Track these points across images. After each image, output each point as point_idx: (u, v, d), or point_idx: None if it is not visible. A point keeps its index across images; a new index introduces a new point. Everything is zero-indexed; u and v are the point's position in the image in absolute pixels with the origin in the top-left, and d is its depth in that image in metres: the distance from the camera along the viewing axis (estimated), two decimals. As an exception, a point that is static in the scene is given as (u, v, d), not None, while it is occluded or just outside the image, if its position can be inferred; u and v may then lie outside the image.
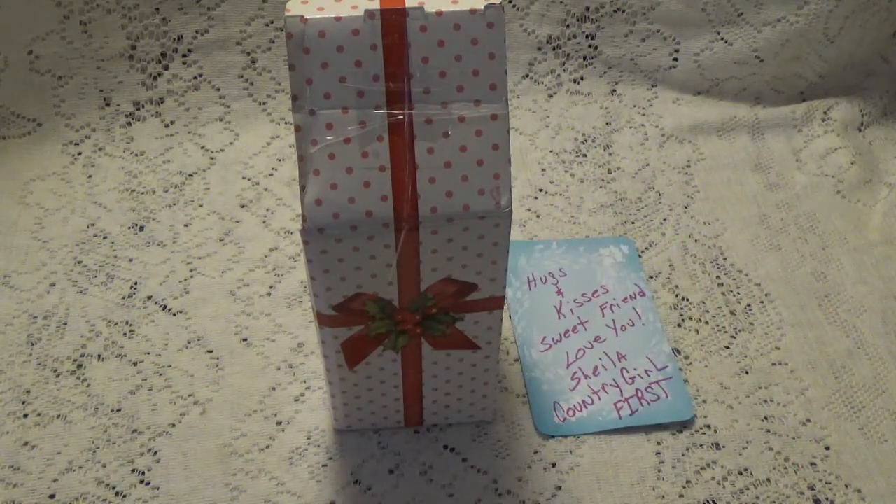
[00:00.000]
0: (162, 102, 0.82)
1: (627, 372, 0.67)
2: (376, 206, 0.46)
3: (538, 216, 0.78)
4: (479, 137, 0.46)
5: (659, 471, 0.62)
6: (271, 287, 0.71)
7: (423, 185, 0.46)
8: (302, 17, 0.44)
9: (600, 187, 0.80)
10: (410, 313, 0.51)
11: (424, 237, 0.47)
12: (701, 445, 0.63)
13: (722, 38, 0.86)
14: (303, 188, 0.45)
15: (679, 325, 0.70)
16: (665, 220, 0.78)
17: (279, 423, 0.63)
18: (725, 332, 0.70)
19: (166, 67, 0.82)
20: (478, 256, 0.49)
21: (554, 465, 0.62)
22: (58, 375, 0.65)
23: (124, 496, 0.59)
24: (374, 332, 0.52)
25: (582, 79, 0.88)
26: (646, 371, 0.67)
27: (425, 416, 0.61)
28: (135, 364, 0.66)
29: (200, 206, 0.76)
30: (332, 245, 0.46)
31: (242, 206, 0.76)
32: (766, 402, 0.66)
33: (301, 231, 0.46)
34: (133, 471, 0.60)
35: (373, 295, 0.50)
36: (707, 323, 0.71)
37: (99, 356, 0.66)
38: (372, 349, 0.53)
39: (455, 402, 0.60)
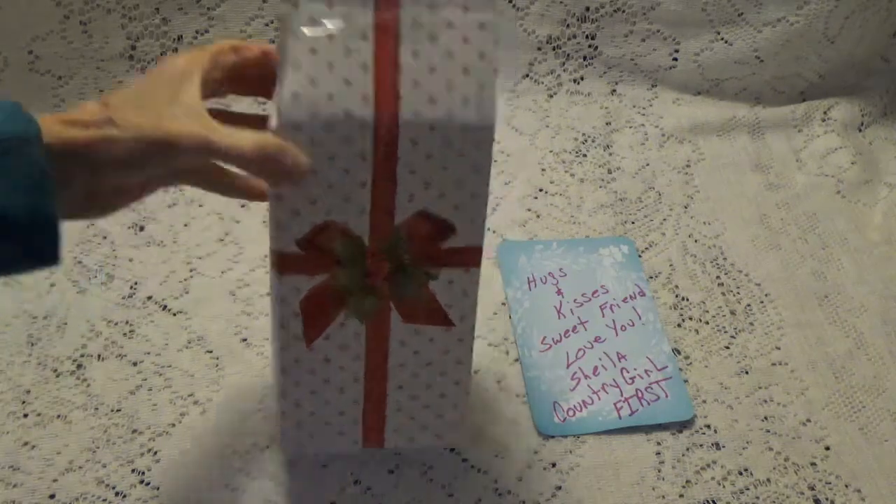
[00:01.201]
0: (162, 102, 0.82)
1: (627, 372, 0.67)
2: (356, 105, 0.43)
3: (538, 216, 0.78)
4: (466, 45, 0.44)
5: (659, 471, 0.62)
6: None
7: (406, 88, 0.44)
8: None
9: (600, 187, 0.80)
10: (381, 261, 0.47)
11: (403, 149, 0.44)
12: (701, 445, 0.63)
13: (722, 38, 0.86)
14: (280, 82, 0.43)
15: (679, 325, 0.70)
16: (665, 220, 0.78)
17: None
18: (725, 332, 0.70)
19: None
20: (456, 186, 0.46)
21: (554, 465, 0.62)
22: (58, 375, 0.65)
23: (124, 496, 0.59)
24: (341, 284, 0.48)
25: (582, 79, 0.88)
26: (646, 371, 0.67)
27: (387, 432, 0.55)
28: (135, 364, 0.66)
29: (200, 206, 0.76)
30: (307, 147, 0.43)
31: (242, 206, 0.76)
32: (766, 402, 0.66)
33: (274, 127, 0.43)
34: (133, 471, 0.60)
35: (343, 226, 0.46)
36: (707, 323, 0.71)
37: (99, 356, 0.66)
38: (335, 312, 0.49)
39: (422, 412, 0.54)
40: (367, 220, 0.46)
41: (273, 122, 0.44)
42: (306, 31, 0.43)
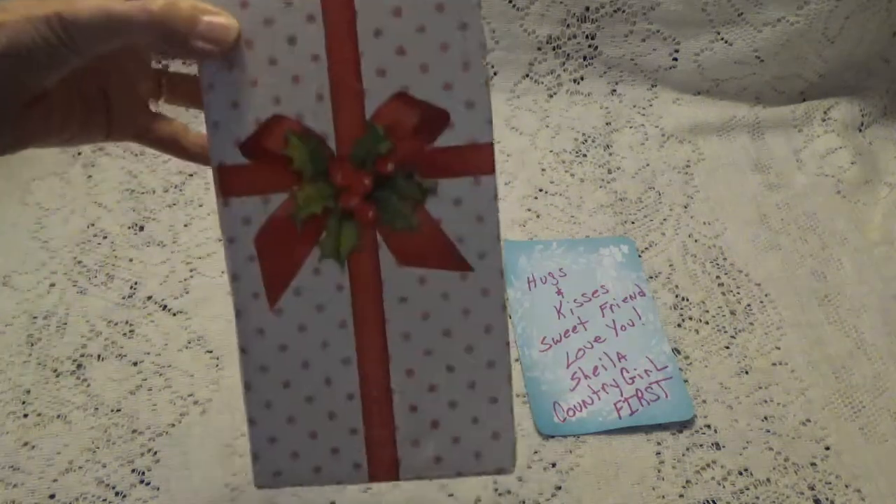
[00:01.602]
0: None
1: (627, 372, 0.67)
2: None
3: (538, 216, 0.78)
4: None
5: (659, 471, 0.62)
6: (271, 287, 0.71)
7: None
8: None
9: (600, 187, 0.80)
10: (355, 170, 0.36)
11: (361, 3, 0.35)
12: (701, 445, 0.63)
13: (722, 38, 0.86)
14: None
15: (679, 325, 0.70)
16: (665, 220, 0.78)
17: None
18: (725, 332, 0.70)
19: (167, 67, 0.82)
20: (441, 50, 0.35)
21: (554, 465, 0.62)
22: (58, 375, 0.65)
23: (124, 496, 0.59)
24: (304, 211, 0.36)
25: (582, 79, 0.88)
26: (646, 371, 0.67)
27: (400, 449, 0.39)
28: (135, 364, 0.66)
29: (200, 206, 0.76)
30: (237, 13, 0.35)
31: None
32: (766, 402, 0.66)
33: None
34: (133, 471, 0.60)
35: (297, 122, 0.36)
36: (707, 323, 0.71)
37: (99, 356, 0.66)
38: (303, 251, 0.37)
39: (445, 413, 0.38)
40: (328, 110, 0.36)
41: None
42: None
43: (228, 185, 0.36)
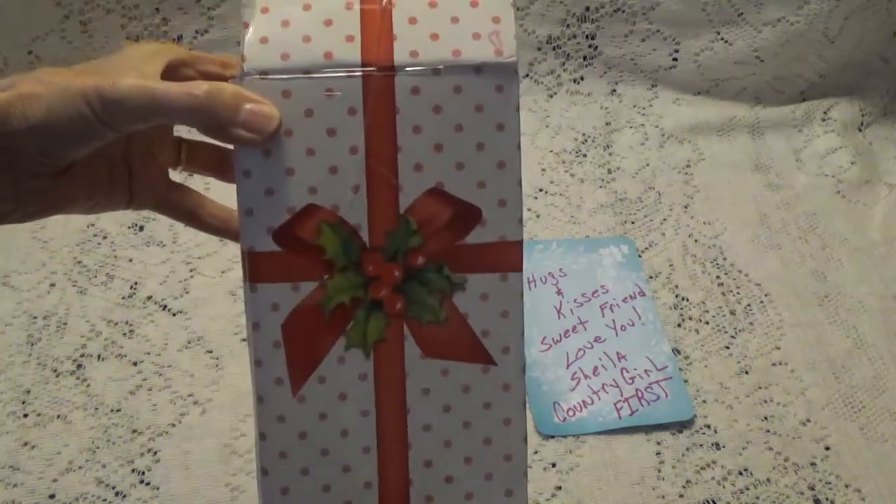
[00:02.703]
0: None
1: (627, 372, 0.67)
2: (338, 46, 0.35)
3: (538, 216, 0.78)
4: None
5: (659, 471, 0.62)
6: (271, 287, 0.71)
7: (400, 24, 0.36)
8: None
9: (600, 187, 0.80)
10: (386, 262, 0.36)
11: (403, 99, 0.35)
12: (701, 445, 0.63)
13: (722, 38, 0.86)
14: (245, 26, 0.36)
15: (679, 325, 0.70)
16: (665, 220, 0.78)
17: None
18: (725, 332, 0.70)
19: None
20: (477, 150, 0.36)
21: (554, 465, 0.62)
22: (58, 375, 0.65)
23: (124, 496, 0.59)
24: (334, 300, 0.36)
25: (582, 79, 0.88)
26: (646, 371, 0.67)
27: None
28: (135, 364, 0.66)
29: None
30: (279, 102, 0.35)
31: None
32: (766, 402, 0.66)
33: (237, 77, 0.35)
34: (133, 471, 0.60)
35: (332, 212, 0.36)
36: (707, 323, 0.71)
37: (99, 356, 0.66)
38: (330, 340, 0.37)
39: (462, 471, 0.39)
40: (362, 202, 0.36)
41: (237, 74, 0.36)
42: None
43: (258, 271, 0.36)
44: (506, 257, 0.37)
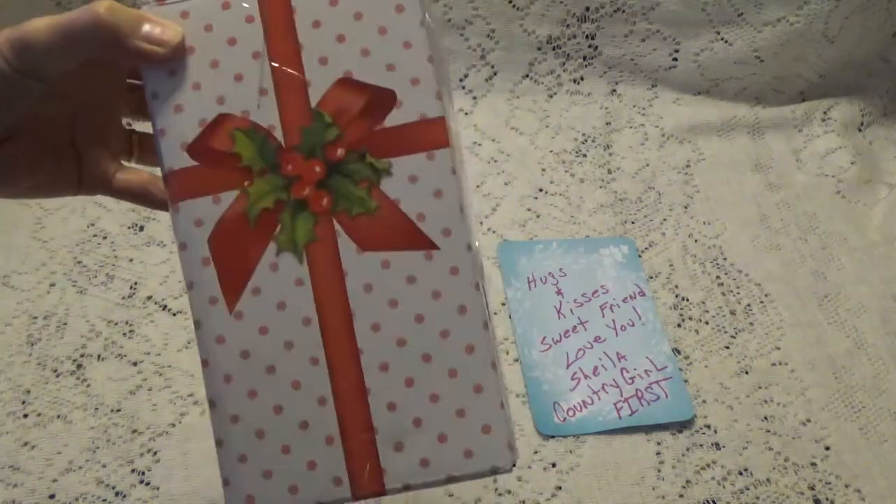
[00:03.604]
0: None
1: (627, 372, 0.67)
2: None
3: (538, 216, 0.78)
4: None
5: (659, 471, 0.62)
6: (271, 287, 0.71)
7: None
8: None
9: (600, 187, 0.80)
10: (305, 159, 0.35)
11: None
12: (701, 445, 0.63)
13: (722, 38, 0.86)
14: None
15: (679, 325, 0.70)
16: (665, 220, 0.78)
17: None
18: (725, 332, 0.70)
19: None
20: (380, 34, 0.36)
21: (554, 465, 0.62)
22: (58, 375, 0.65)
23: (124, 496, 0.59)
24: (257, 206, 0.35)
25: (582, 79, 0.88)
26: (646, 371, 0.67)
27: (383, 456, 0.36)
28: (135, 364, 0.66)
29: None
30: (178, 24, 0.36)
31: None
32: (766, 402, 0.66)
33: (137, 4, 0.36)
34: (133, 471, 0.60)
35: (243, 118, 0.35)
36: (707, 323, 0.71)
37: (99, 356, 0.66)
38: (259, 248, 0.35)
39: (429, 409, 0.35)
40: (272, 103, 0.35)
41: None
42: None
43: (178, 189, 0.36)
44: (428, 135, 0.36)
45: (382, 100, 0.35)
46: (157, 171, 0.38)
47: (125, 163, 0.43)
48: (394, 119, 0.36)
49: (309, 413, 0.35)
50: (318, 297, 0.35)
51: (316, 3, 0.35)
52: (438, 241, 0.35)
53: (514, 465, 0.36)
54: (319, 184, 0.35)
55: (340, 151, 0.35)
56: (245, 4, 0.36)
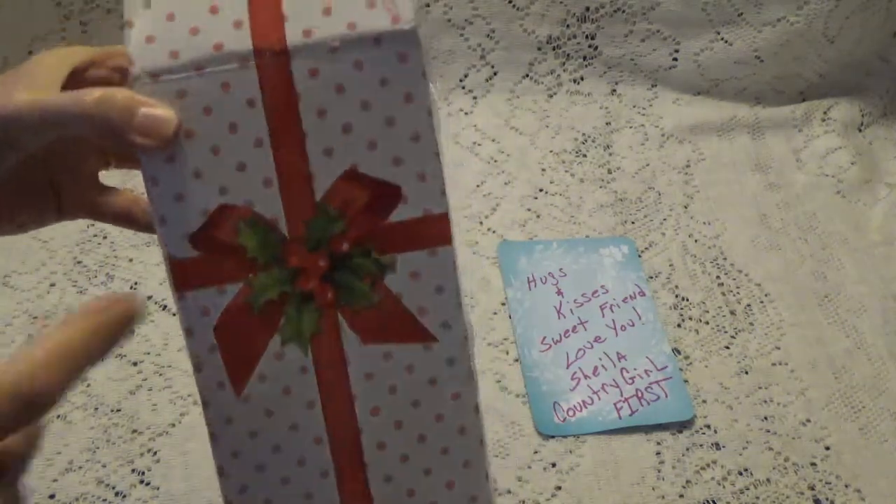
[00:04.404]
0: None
1: (627, 372, 0.67)
2: (227, 35, 0.33)
3: (538, 216, 0.78)
4: None
5: (659, 471, 0.62)
6: (271, 287, 0.71)
7: (289, 2, 0.34)
8: None
9: (600, 187, 0.80)
10: (310, 252, 0.35)
11: (302, 83, 0.33)
12: (701, 445, 0.63)
13: (722, 38, 0.86)
14: (129, 25, 0.34)
15: (679, 325, 0.70)
16: (665, 220, 0.78)
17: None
18: (725, 332, 0.70)
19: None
20: (387, 125, 0.34)
21: (554, 465, 0.62)
22: (58, 375, 0.65)
23: (124, 496, 0.59)
24: (261, 298, 0.35)
25: (582, 79, 0.88)
26: (646, 371, 0.67)
27: None
28: (135, 364, 0.66)
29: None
30: (175, 104, 0.34)
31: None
32: (766, 402, 0.66)
33: (128, 82, 0.34)
34: (133, 471, 0.60)
35: (246, 209, 0.34)
36: (707, 323, 0.71)
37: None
38: (264, 339, 0.36)
39: (421, 481, 0.38)
40: (276, 195, 0.34)
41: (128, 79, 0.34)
42: None
43: (182, 278, 0.35)
44: (433, 232, 0.35)
45: (388, 195, 0.35)
46: (137, 173, 0.37)
47: (104, 171, 0.42)
48: (399, 214, 0.35)
49: (313, 485, 0.37)
50: (321, 384, 0.36)
51: (321, 90, 0.34)
52: (438, 334, 0.36)
53: None
54: (324, 277, 0.35)
55: (346, 246, 0.35)
56: (246, 88, 0.34)
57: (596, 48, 0.87)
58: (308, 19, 0.33)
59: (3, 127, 0.33)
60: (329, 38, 0.33)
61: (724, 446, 0.63)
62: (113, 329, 0.33)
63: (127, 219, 0.42)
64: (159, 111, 0.33)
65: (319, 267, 0.35)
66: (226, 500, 0.38)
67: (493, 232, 0.76)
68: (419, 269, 0.35)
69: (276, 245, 0.35)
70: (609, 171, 0.82)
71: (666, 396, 0.65)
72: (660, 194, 0.80)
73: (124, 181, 0.71)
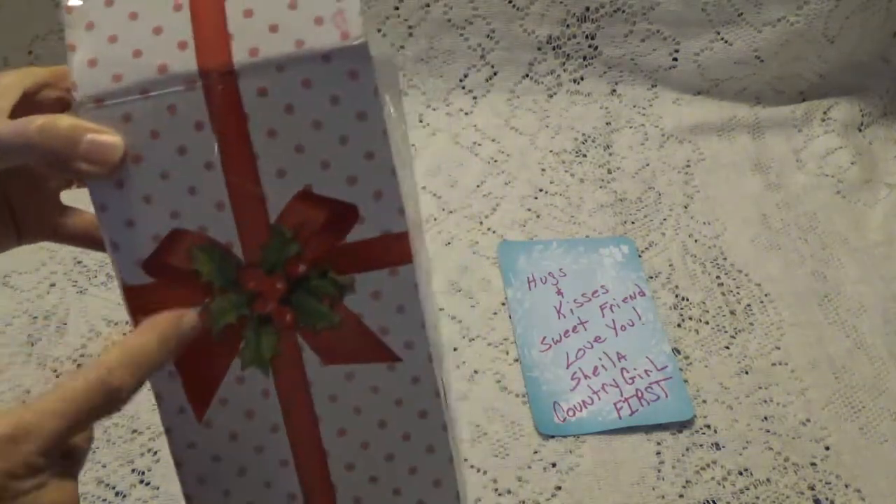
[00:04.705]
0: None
1: (627, 372, 0.67)
2: (172, 56, 0.32)
3: (538, 216, 0.78)
4: None
5: (659, 471, 0.62)
6: (271, 287, 0.71)
7: (234, 20, 0.33)
8: None
9: (600, 187, 0.80)
10: (266, 275, 0.34)
11: (250, 104, 0.32)
12: (701, 445, 0.63)
13: (722, 38, 0.86)
14: (72, 48, 0.33)
15: (679, 325, 0.70)
16: (665, 220, 0.78)
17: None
18: (725, 332, 0.70)
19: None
20: (340, 144, 0.33)
21: (554, 465, 0.62)
22: (58, 375, 0.65)
23: (124, 496, 0.59)
24: (220, 322, 0.35)
25: (582, 79, 0.88)
26: (646, 371, 0.67)
27: None
28: (135, 364, 0.66)
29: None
30: (120, 128, 0.33)
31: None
32: (766, 402, 0.66)
33: (72, 107, 0.33)
34: (133, 471, 0.60)
35: (200, 234, 0.34)
36: (707, 323, 0.71)
37: (99, 356, 0.66)
38: (224, 363, 0.35)
39: (390, 500, 0.38)
40: (229, 218, 0.34)
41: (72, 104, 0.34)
42: None
43: (138, 305, 0.34)
44: (392, 251, 0.35)
45: (344, 215, 0.34)
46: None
47: (68, 191, 0.41)
48: (356, 234, 0.34)
49: None
50: (284, 406, 0.36)
51: (271, 110, 0.33)
52: (401, 353, 0.36)
53: None
54: (282, 300, 0.35)
55: (302, 268, 0.34)
56: (193, 110, 0.32)
57: (596, 48, 0.87)
58: (254, 38, 0.32)
59: None
60: (276, 56, 0.32)
61: (724, 446, 0.63)
62: (178, 339, 0.34)
63: (88, 239, 0.41)
64: (104, 137, 0.33)
65: (277, 290, 0.34)
66: None
67: (493, 232, 0.76)
68: (380, 289, 0.35)
69: (231, 270, 0.34)
70: (609, 171, 0.82)
71: (666, 396, 0.65)
72: (660, 194, 0.80)
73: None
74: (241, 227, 0.34)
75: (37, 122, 0.32)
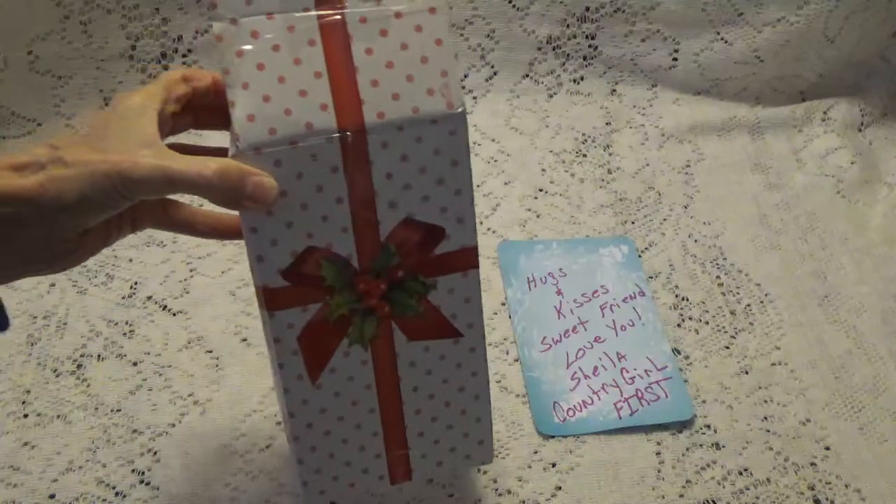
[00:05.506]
0: (162, 102, 0.82)
1: (627, 372, 0.67)
2: (316, 116, 0.42)
3: (538, 216, 0.78)
4: (419, 33, 0.43)
5: (659, 471, 0.62)
6: (271, 287, 0.71)
7: (365, 88, 0.42)
8: None
9: (600, 187, 0.80)
10: (374, 279, 0.45)
11: (375, 154, 0.43)
12: (701, 445, 0.63)
13: (722, 38, 0.86)
14: (232, 104, 0.41)
15: (679, 325, 0.70)
16: (665, 220, 0.78)
17: (279, 423, 0.63)
18: (725, 332, 0.70)
19: (166, 67, 0.82)
20: (438, 185, 0.44)
21: (554, 465, 0.62)
22: (58, 375, 0.65)
23: (124, 496, 0.59)
24: (336, 314, 0.46)
25: (582, 79, 0.88)
26: (646, 371, 0.67)
27: (413, 461, 0.52)
28: (135, 364, 0.66)
29: (200, 205, 0.76)
30: (272, 169, 0.42)
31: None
32: (766, 402, 0.66)
33: (233, 154, 0.41)
34: (133, 471, 0.60)
35: (327, 250, 0.44)
36: (707, 323, 0.71)
37: (99, 356, 0.66)
38: (335, 343, 0.47)
39: (446, 434, 0.52)
40: (351, 239, 0.44)
41: (232, 148, 0.42)
42: (248, 47, 0.41)
43: (274, 302, 0.44)
44: (465, 260, 0.47)
45: (435, 235, 0.45)
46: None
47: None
48: (441, 248, 0.46)
49: (366, 442, 0.50)
50: (376, 372, 0.48)
51: (389, 159, 0.43)
52: (464, 331, 0.48)
53: (492, 460, 0.54)
54: (382, 296, 0.46)
55: (401, 274, 0.46)
56: (331, 158, 0.42)
57: (596, 48, 0.87)
58: (381, 104, 0.42)
59: (129, 187, 0.39)
60: (398, 119, 0.42)
61: (724, 446, 0.63)
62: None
63: (187, 227, 0.50)
64: (265, 180, 0.41)
65: (380, 289, 0.46)
66: (297, 457, 0.49)
67: (493, 232, 0.76)
68: (454, 287, 0.47)
69: (349, 276, 0.45)
70: (609, 171, 0.82)
71: (666, 396, 0.65)
72: (660, 194, 0.80)
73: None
74: (359, 244, 0.44)
75: (212, 165, 0.40)
